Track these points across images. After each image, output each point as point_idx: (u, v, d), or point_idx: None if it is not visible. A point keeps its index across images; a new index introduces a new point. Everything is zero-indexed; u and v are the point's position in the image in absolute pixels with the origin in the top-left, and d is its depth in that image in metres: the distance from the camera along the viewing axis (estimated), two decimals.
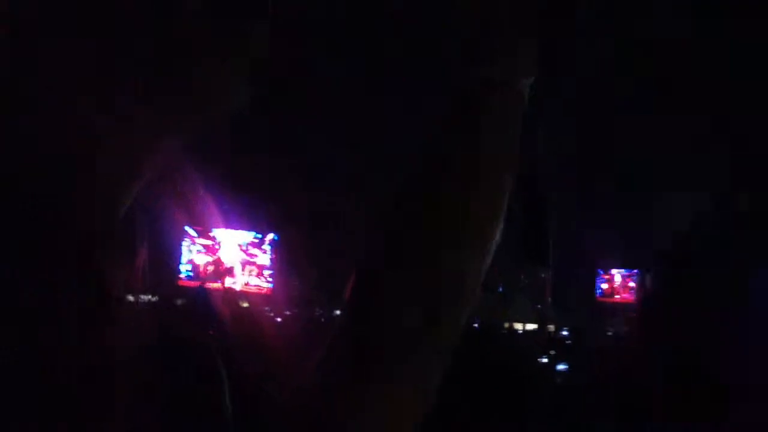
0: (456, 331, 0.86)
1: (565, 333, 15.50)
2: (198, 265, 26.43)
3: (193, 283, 25.04)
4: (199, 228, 25.84)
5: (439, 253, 0.85)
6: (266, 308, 21.02)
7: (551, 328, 20.09)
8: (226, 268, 26.58)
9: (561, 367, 8.68)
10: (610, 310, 28.38)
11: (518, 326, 21.10)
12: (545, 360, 9.76)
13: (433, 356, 0.85)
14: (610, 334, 17.84)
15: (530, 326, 21.08)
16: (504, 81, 0.86)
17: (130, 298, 0.82)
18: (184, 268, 26.41)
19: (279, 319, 17.67)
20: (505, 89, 0.86)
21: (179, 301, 13.13)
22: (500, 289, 23.93)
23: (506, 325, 20.31)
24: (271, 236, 26.92)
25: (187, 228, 25.86)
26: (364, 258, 0.91)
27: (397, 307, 0.84)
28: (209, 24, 0.78)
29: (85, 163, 0.73)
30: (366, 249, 0.92)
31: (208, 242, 26.54)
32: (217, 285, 25.38)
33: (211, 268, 26.42)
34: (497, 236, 0.87)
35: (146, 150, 0.78)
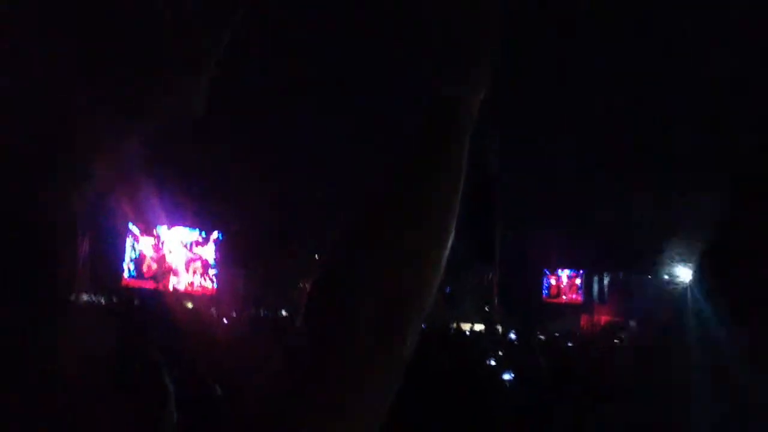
0: (414, 336, 0.90)
1: (513, 336, 15.67)
2: (142, 264, 26.03)
3: (137, 282, 24.72)
4: (142, 225, 25.55)
5: (399, 258, 0.89)
6: (212, 309, 20.96)
7: (499, 329, 20.21)
8: (171, 267, 26.25)
9: (507, 377, 8.81)
10: (555, 310, 28.75)
11: (466, 327, 21.21)
12: (493, 362, 9.85)
13: (392, 361, 0.87)
14: (557, 335, 18.06)
15: (477, 327, 21.19)
16: (461, 97, 0.96)
17: (74, 297, 0.80)
18: (128, 267, 26.08)
19: (225, 321, 17.60)
20: (461, 105, 0.95)
21: (136, 302, 12.94)
22: (447, 290, 24.03)
23: (453, 325, 20.38)
24: (215, 234, 26.67)
25: (130, 225, 25.60)
26: (326, 263, 0.94)
27: (358, 312, 0.86)
28: (175, 31, 0.82)
29: (42, 161, 0.74)
30: (328, 254, 0.95)
31: (152, 240, 26.18)
32: (161, 285, 25.21)
33: (155, 266, 26.08)
34: (450, 242, 0.92)
35: (105, 149, 0.80)
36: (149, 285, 24.33)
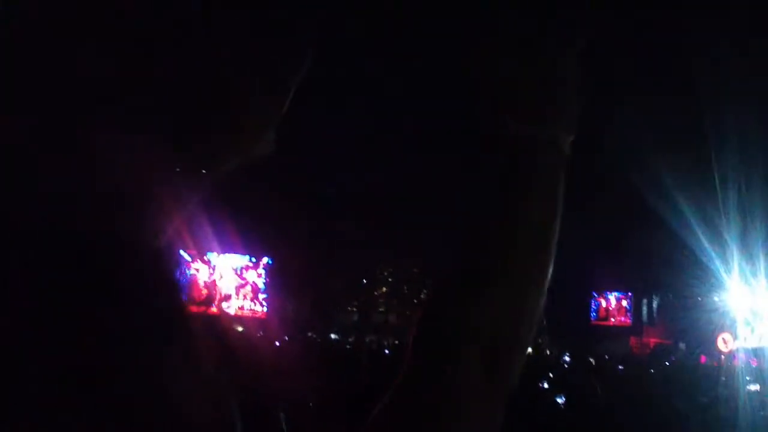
0: (515, 373, 0.92)
1: (566, 358, 15.52)
2: (192, 290, 26.35)
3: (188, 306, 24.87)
4: (193, 252, 25.73)
5: (503, 298, 0.91)
6: (260, 332, 21.04)
7: (548, 352, 20.06)
8: (221, 292, 26.57)
9: (560, 400, 8.68)
10: (604, 332, 28.39)
11: None
12: (546, 385, 9.77)
13: (498, 397, 0.90)
14: (607, 357, 17.90)
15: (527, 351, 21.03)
16: (551, 139, 0.95)
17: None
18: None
19: (278, 344, 17.70)
20: (551, 147, 0.95)
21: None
22: None
23: None
24: (265, 260, 26.83)
25: (181, 252, 25.74)
26: (431, 302, 0.98)
27: (466, 349, 0.88)
28: (245, 75, 0.84)
29: (130, 203, 0.77)
30: (434, 294, 0.99)
31: (203, 266, 26.49)
32: (213, 310, 25.32)
33: (205, 291, 26.30)
34: (547, 283, 0.94)
35: (184, 191, 0.85)
36: (200, 309, 24.47)
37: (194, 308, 24.26)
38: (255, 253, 26.59)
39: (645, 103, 17.32)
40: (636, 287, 29.28)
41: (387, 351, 16.54)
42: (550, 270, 0.94)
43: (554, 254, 0.94)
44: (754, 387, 12.51)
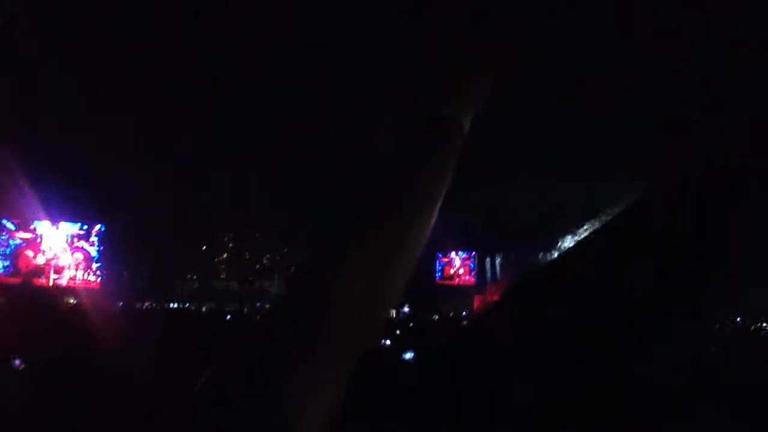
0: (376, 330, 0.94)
1: (405, 310, 15.85)
2: (19, 260, 24.95)
3: (13, 279, 23.60)
4: (17, 220, 24.48)
5: (376, 261, 0.91)
6: (94, 303, 20.23)
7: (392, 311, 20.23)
8: (50, 262, 25.23)
9: (408, 355, 9.08)
10: (450, 292, 28.90)
11: None
12: (388, 342, 9.88)
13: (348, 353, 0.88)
14: (451, 314, 18.20)
15: None
16: (453, 118, 1.02)
17: None
18: (2, 264, 24.90)
19: (116, 312, 17.03)
20: (452, 125, 1.02)
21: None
22: None
23: None
24: (98, 227, 25.73)
25: (4, 221, 24.52)
26: (307, 262, 0.95)
27: (331, 310, 0.87)
28: None
29: None
30: (311, 255, 0.95)
31: (29, 235, 25.10)
32: (41, 281, 24.34)
33: (33, 262, 25.02)
34: (420, 249, 0.97)
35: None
36: (27, 281, 23.28)
37: (20, 280, 23.11)
38: (87, 220, 25.48)
39: None
40: (480, 246, 29.89)
41: (228, 317, 16.15)
42: (427, 234, 0.98)
43: (430, 228, 0.98)
44: None
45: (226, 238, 29.63)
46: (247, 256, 29.52)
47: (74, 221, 25.55)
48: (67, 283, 24.93)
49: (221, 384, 0.82)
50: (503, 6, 1.08)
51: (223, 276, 29.39)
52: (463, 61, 1.04)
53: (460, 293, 28.66)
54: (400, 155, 1.00)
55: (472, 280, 30.56)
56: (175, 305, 24.96)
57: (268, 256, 28.69)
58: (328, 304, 0.88)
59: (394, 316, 18.82)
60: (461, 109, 1.03)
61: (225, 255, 29.87)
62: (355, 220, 0.96)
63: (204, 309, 20.87)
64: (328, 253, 0.94)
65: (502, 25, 1.07)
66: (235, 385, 0.82)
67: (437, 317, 16.04)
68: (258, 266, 28.32)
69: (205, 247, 29.57)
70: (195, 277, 29.48)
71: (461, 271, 31.14)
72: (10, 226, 24.63)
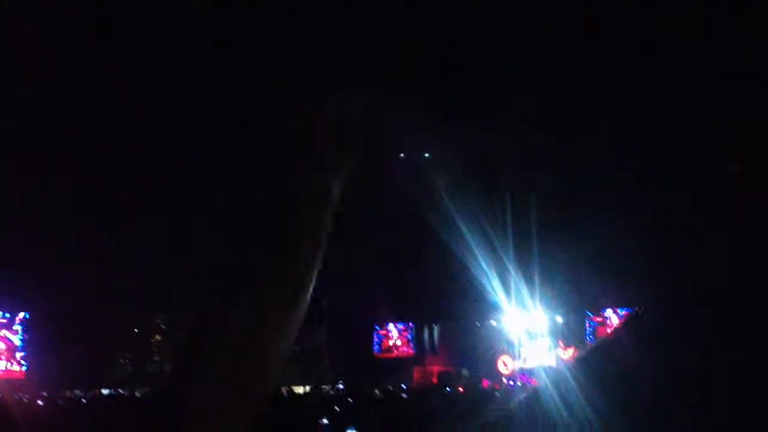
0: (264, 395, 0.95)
1: (341, 387, 15.59)
2: None
3: None
4: None
5: (253, 327, 0.94)
6: (20, 393, 19.50)
7: (326, 388, 20.00)
8: None
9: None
10: (389, 364, 28.54)
11: (299, 390, 20.82)
12: (326, 421, 9.81)
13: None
14: (391, 388, 17.87)
15: (307, 388, 20.93)
16: (313, 175, 1.06)
17: None
18: None
19: (40, 402, 16.41)
20: (314, 182, 1.06)
21: None
22: None
23: (284, 389, 19.90)
24: (21, 314, 25.07)
25: None
26: (194, 322, 0.97)
27: (215, 379, 0.90)
28: None
29: None
30: (193, 320, 0.97)
31: None
32: None
33: None
34: (301, 314, 0.99)
35: None
36: None
37: None
38: (9, 308, 24.84)
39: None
40: (417, 317, 29.72)
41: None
42: (307, 298, 0.99)
43: (309, 292, 1.00)
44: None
45: (157, 320, 28.90)
46: (181, 338, 28.81)
47: None
48: None
49: None
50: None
51: (156, 358, 28.54)
52: (321, 132, 1.09)
53: (401, 365, 28.35)
54: (262, 207, 1.07)
55: (411, 351, 30.25)
56: (108, 391, 24.16)
57: None
58: (203, 378, 0.90)
59: (330, 391, 18.56)
60: (324, 171, 1.07)
61: (158, 336, 29.11)
62: (225, 280, 0.99)
63: (138, 394, 20.19)
64: (201, 321, 0.97)
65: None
66: None
67: (378, 392, 15.74)
68: None
69: (137, 330, 28.79)
70: (128, 361, 28.64)
71: (399, 342, 30.80)
72: None
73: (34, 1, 15.82)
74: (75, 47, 16.91)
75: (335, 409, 10.92)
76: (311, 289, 1.00)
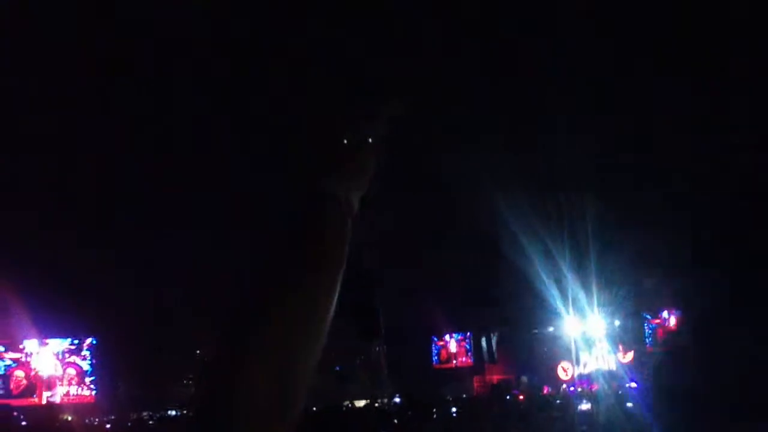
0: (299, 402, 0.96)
1: (397, 400, 15.67)
2: (9, 381, 24.57)
3: (3, 401, 23.19)
4: (5, 341, 24.24)
5: (286, 341, 0.96)
6: (90, 417, 19.96)
7: (384, 401, 20.06)
8: (42, 380, 24.80)
9: None
10: (448, 375, 28.43)
11: (360, 403, 20.97)
12: None
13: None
14: (449, 398, 17.87)
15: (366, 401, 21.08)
16: (336, 194, 1.08)
17: None
18: None
19: (108, 426, 16.85)
20: (337, 201, 1.08)
21: None
22: (337, 368, 23.95)
23: (346, 403, 20.12)
24: (89, 340, 25.44)
25: None
26: (218, 345, 0.98)
27: (251, 387, 0.92)
28: None
29: None
30: (221, 338, 0.99)
31: (18, 355, 24.80)
32: (34, 400, 23.94)
33: (24, 382, 24.64)
34: (329, 321, 1.01)
35: None
36: (20, 402, 22.88)
37: (12, 402, 22.71)
38: (76, 334, 25.17)
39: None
40: (474, 326, 29.59)
41: None
42: (327, 325, 1.00)
43: (332, 307, 1.01)
44: (586, 407, 14.41)
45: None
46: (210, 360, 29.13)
47: (63, 336, 25.27)
48: (61, 400, 24.43)
49: None
50: (385, 94, 1.17)
51: None
52: (338, 141, 1.11)
53: (460, 375, 28.23)
54: (281, 231, 1.06)
55: (470, 361, 30.15)
56: (174, 413, 24.52)
57: None
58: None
59: (386, 406, 18.60)
60: (341, 185, 1.08)
61: None
62: (256, 301, 1.00)
63: None
64: (231, 339, 0.98)
65: (383, 112, 1.15)
66: None
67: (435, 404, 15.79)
68: None
69: (198, 351, 29.22)
70: (191, 382, 29.06)
71: (457, 352, 30.78)
72: None
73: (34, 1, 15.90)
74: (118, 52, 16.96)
75: (393, 422, 10.98)
76: (334, 306, 1.01)
